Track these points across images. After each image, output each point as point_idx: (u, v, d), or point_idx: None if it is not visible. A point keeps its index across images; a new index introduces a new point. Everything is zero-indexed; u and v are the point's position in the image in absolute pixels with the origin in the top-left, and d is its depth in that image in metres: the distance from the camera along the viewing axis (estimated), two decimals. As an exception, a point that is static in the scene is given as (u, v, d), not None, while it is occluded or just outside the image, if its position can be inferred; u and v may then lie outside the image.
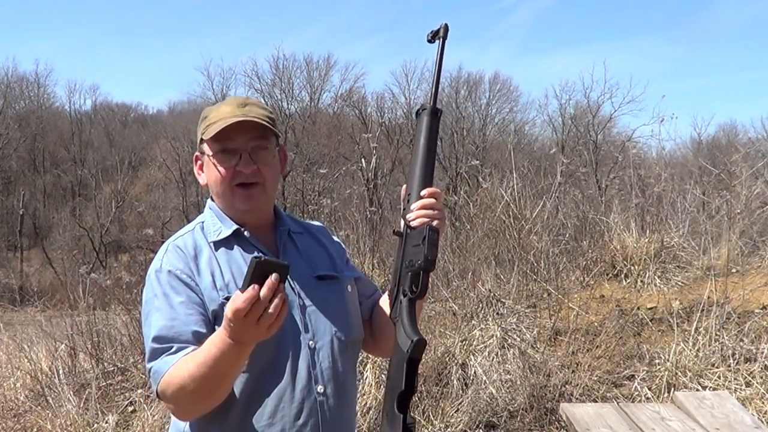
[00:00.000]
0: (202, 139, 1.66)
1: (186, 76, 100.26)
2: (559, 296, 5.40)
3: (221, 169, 1.63)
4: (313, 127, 31.84)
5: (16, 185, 38.43)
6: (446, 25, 1.59)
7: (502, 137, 31.81)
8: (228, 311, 1.36)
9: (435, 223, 1.50)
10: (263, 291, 1.34)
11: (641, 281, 5.69)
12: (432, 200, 1.52)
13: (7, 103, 40.55)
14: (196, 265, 1.61)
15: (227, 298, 1.55)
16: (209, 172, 1.67)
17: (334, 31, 66.98)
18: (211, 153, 1.64)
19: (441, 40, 1.59)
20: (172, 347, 1.51)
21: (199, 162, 1.72)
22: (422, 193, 1.53)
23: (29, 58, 74.46)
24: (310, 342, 1.61)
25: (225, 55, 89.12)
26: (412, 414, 1.40)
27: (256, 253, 1.37)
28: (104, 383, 5.00)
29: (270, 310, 1.35)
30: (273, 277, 1.35)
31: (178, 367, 1.47)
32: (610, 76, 47.02)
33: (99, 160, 40.31)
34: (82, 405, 4.64)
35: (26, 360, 5.49)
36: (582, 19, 61.74)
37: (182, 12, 67.79)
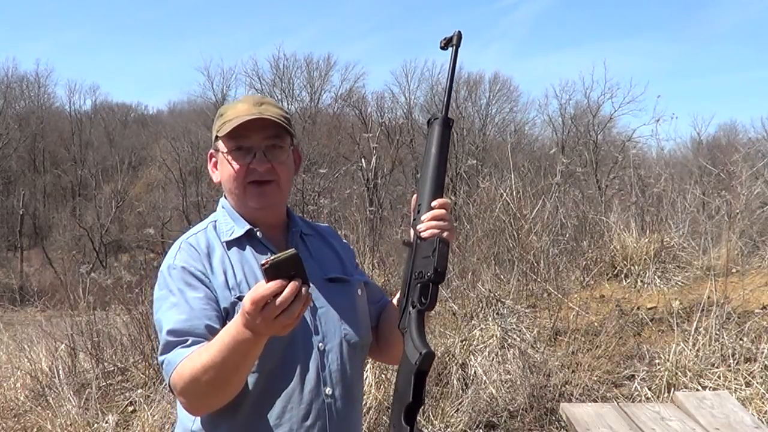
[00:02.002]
0: (217, 136, 1.66)
1: (186, 76, 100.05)
2: (559, 296, 5.40)
3: (235, 166, 1.62)
4: (313, 127, 31.79)
5: (16, 185, 38.41)
6: (459, 32, 1.57)
7: (502, 137, 31.80)
8: (247, 300, 1.33)
9: (445, 234, 1.50)
10: (285, 293, 1.31)
11: (641, 281, 5.69)
12: (443, 211, 1.52)
13: (7, 103, 40.54)
14: (209, 263, 1.60)
15: (239, 298, 1.55)
16: (223, 170, 1.67)
17: (334, 31, 67.01)
18: (225, 150, 1.64)
19: (454, 47, 1.57)
20: (187, 340, 1.50)
21: (213, 159, 1.71)
22: (433, 204, 1.53)
23: (29, 58, 74.69)
24: (320, 344, 1.61)
25: (225, 55, 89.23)
26: (419, 427, 1.40)
27: (263, 260, 1.34)
28: (104, 383, 5.00)
29: (290, 313, 1.32)
30: (296, 282, 1.31)
31: (192, 359, 1.46)
32: (610, 76, 47.03)
33: (99, 160, 40.31)
34: (82, 405, 4.63)
35: (26, 360, 5.49)
36: (582, 19, 61.80)
37: (182, 12, 67.86)
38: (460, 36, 1.57)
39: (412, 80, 36.56)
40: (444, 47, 1.59)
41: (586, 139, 26.28)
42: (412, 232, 1.55)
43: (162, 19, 69.47)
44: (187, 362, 1.47)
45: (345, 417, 1.62)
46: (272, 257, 1.32)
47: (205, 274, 1.58)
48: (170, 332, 1.52)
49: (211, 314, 1.54)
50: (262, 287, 1.32)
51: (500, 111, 36.97)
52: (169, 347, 1.52)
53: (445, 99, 1.60)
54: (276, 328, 1.35)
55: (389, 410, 1.49)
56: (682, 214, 6.39)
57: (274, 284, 1.31)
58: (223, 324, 1.53)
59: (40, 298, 8.53)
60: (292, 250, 1.34)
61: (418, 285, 1.47)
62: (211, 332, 1.51)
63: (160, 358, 1.54)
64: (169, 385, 1.53)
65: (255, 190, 1.63)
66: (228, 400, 1.51)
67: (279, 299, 1.31)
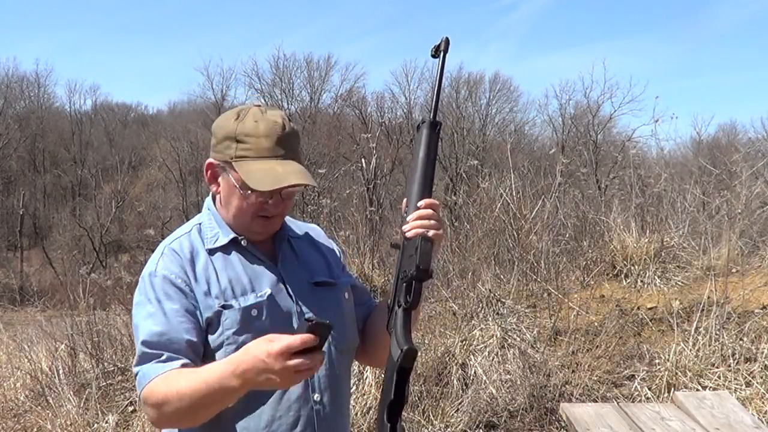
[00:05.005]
0: (230, 161, 1.57)
1: (186, 76, 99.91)
2: (559, 296, 5.39)
3: (252, 202, 1.58)
4: (313, 127, 31.78)
5: (16, 185, 38.43)
6: (447, 38, 1.59)
7: (502, 137, 31.83)
8: (275, 348, 1.32)
9: (431, 233, 1.50)
10: (318, 355, 1.33)
11: (641, 281, 5.68)
12: (428, 211, 1.52)
13: (7, 103, 40.55)
14: (192, 269, 1.58)
15: (223, 306, 1.54)
16: (231, 195, 1.61)
17: (334, 31, 67.03)
18: (239, 185, 1.57)
19: (442, 53, 1.59)
20: (162, 355, 1.50)
21: (212, 170, 1.63)
22: (419, 204, 1.53)
23: (29, 58, 74.52)
24: None
25: (225, 55, 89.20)
26: (402, 423, 1.41)
27: (306, 315, 1.40)
28: (104, 383, 4.99)
29: (306, 371, 1.34)
30: (322, 353, 1.36)
31: (167, 379, 1.46)
32: (610, 76, 47.38)
33: (99, 160, 40.34)
34: (82, 405, 4.64)
35: (26, 360, 5.49)
36: (582, 19, 61.80)
37: (182, 12, 67.89)
38: (447, 42, 1.58)
39: (412, 80, 36.66)
40: (435, 55, 1.60)
41: (586, 139, 26.32)
42: (401, 234, 1.56)
43: (162, 19, 69.56)
44: (161, 382, 1.47)
45: (333, 422, 1.62)
46: (316, 320, 1.35)
47: (186, 282, 1.56)
48: (144, 343, 1.53)
49: (189, 327, 1.53)
50: (298, 337, 1.31)
51: (500, 111, 37.05)
52: (143, 359, 1.52)
53: (433, 103, 1.60)
54: (278, 381, 1.35)
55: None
56: (682, 214, 6.38)
57: (309, 336, 1.32)
58: (203, 335, 1.53)
59: (40, 298, 8.53)
60: (330, 323, 1.36)
61: (404, 284, 1.48)
62: (188, 346, 1.51)
63: (135, 369, 1.54)
64: (139, 397, 1.53)
65: (262, 222, 1.61)
66: (193, 426, 1.52)
67: (310, 362, 1.32)
